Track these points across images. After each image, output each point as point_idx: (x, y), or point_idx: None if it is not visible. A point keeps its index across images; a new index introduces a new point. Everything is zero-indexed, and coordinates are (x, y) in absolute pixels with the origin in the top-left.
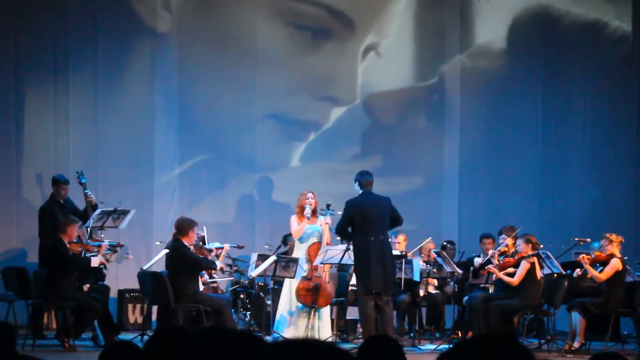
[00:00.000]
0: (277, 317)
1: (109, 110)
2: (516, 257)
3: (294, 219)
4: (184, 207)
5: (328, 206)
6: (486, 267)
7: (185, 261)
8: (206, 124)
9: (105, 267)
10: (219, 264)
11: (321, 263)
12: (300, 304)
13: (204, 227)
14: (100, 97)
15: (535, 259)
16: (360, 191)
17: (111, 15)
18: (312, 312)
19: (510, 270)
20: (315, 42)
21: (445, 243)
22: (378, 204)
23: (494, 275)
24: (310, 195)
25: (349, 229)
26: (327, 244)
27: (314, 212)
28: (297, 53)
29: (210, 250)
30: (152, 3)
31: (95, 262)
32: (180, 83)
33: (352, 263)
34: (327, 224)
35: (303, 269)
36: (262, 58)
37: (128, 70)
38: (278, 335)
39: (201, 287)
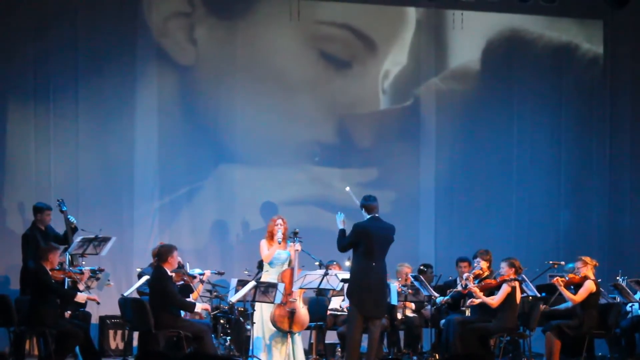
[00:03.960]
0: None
1: (90, 137)
2: (498, 280)
3: (263, 243)
4: (164, 234)
5: (295, 234)
6: (467, 287)
7: (166, 294)
8: (187, 154)
9: (98, 303)
10: (199, 305)
11: (300, 288)
12: (276, 330)
13: (184, 254)
14: (81, 124)
15: (517, 284)
16: (368, 216)
17: (92, 46)
18: (289, 336)
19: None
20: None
21: (422, 267)
22: (383, 230)
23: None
24: (279, 221)
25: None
26: (298, 270)
27: (284, 238)
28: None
29: (193, 277)
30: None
31: (82, 298)
32: (160, 114)
33: (331, 288)
34: (297, 250)
35: (282, 294)
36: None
37: (108, 96)
38: (256, 359)
39: (183, 313)
